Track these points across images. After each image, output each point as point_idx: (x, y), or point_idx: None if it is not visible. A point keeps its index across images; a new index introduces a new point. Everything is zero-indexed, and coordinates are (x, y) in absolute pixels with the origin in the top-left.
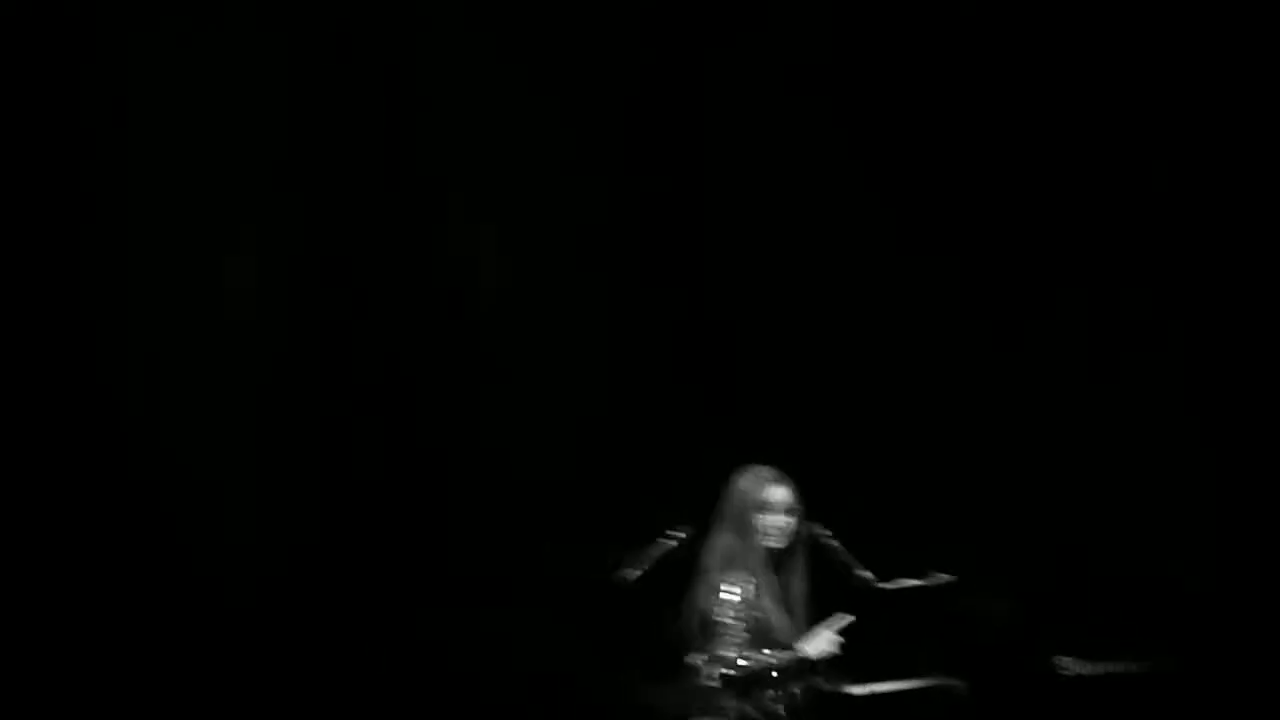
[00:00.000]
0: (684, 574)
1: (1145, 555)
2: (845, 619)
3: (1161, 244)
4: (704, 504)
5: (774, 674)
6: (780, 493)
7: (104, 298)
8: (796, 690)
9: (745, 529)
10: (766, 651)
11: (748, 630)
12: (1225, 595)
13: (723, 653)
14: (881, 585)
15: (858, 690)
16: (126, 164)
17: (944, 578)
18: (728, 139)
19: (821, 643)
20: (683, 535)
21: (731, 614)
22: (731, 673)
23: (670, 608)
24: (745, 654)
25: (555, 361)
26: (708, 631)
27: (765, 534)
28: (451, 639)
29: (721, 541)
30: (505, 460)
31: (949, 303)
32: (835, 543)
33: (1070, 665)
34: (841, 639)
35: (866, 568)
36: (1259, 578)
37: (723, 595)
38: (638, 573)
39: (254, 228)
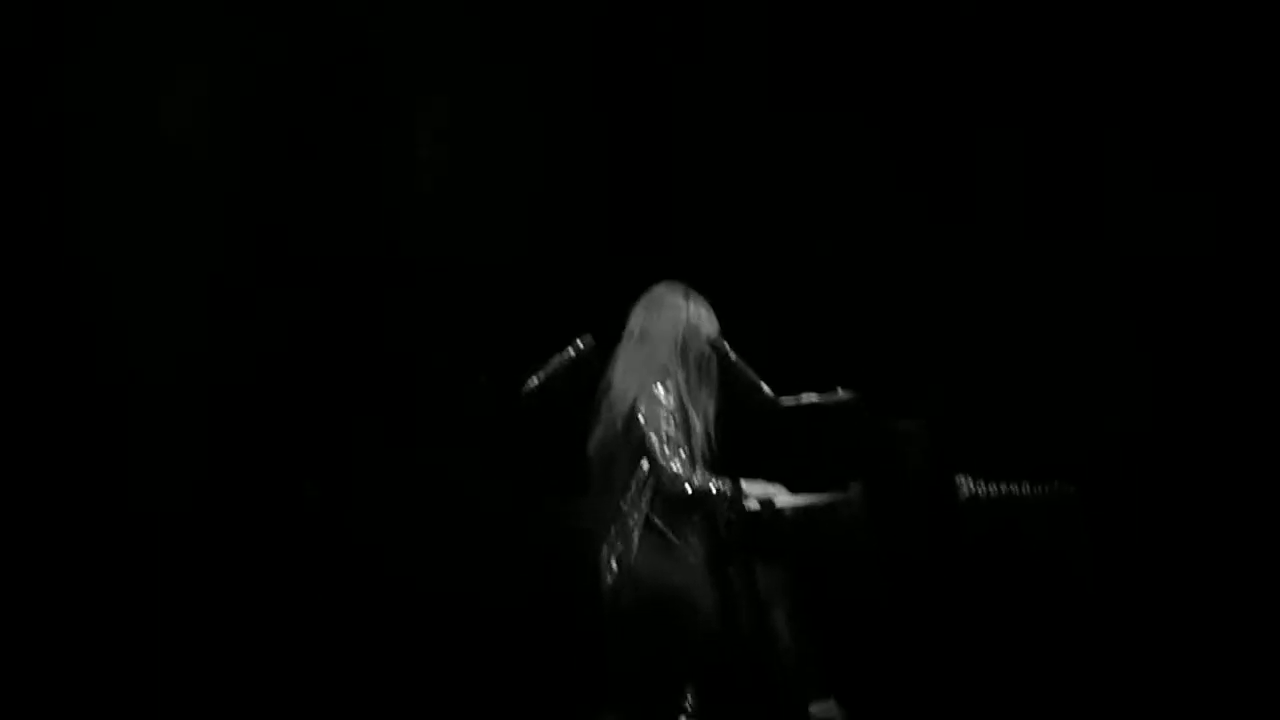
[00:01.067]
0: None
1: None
2: (845, 394)
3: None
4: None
5: (717, 503)
6: (712, 315)
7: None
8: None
9: (676, 345)
10: (716, 483)
11: (681, 434)
12: (1135, 432)
13: (674, 466)
14: (784, 401)
15: (784, 501)
16: None
17: (845, 394)
18: None
19: (761, 488)
20: (584, 345)
21: (665, 416)
22: (687, 490)
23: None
24: (701, 476)
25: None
26: (631, 437)
27: (696, 352)
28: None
29: (642, 352)
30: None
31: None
32: (739, 360)
33: (971, 486)
34: (778, 489)
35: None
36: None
37: (659, 396)
38: (537, 382)
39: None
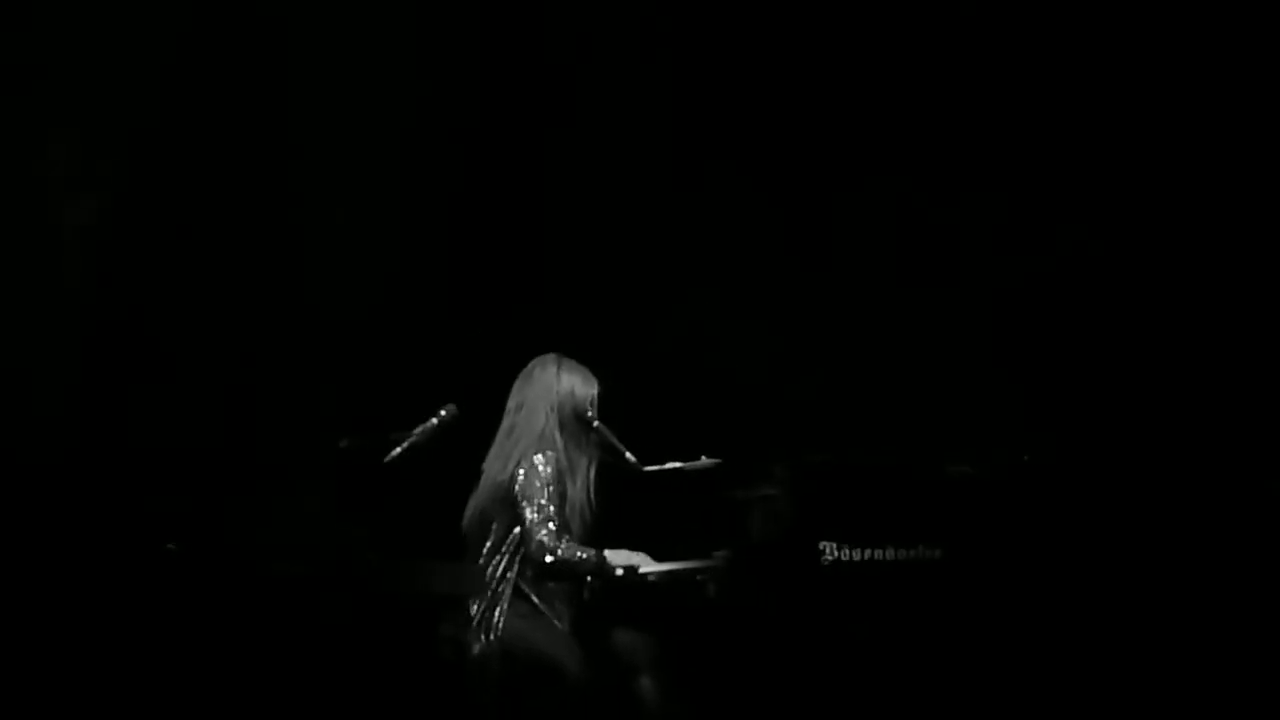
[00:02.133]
0: (456, 451)
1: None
2: (709, 461)
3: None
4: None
5: (583, 571)
6: (588, 381)
7: None
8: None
9: (550, 414)
10: (580, 553)
11: (554, 504)
12: (997, 488)
13: (540, 534)
14: (648, 469)
15: (648, 569)
16: None
17: (709, 461)
18: None
19: (624, 557)
20: (448, 414)
21: (541, 485)
22: (553, 560)
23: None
24: (568, 546)
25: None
26: (505, 506)
27: (570, 420)
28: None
29: (521, 423)
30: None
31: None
32: (604, 427)
33: (833, 551)
34: (642, 558)
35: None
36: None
37: (538, 466)
38: (399, 450)
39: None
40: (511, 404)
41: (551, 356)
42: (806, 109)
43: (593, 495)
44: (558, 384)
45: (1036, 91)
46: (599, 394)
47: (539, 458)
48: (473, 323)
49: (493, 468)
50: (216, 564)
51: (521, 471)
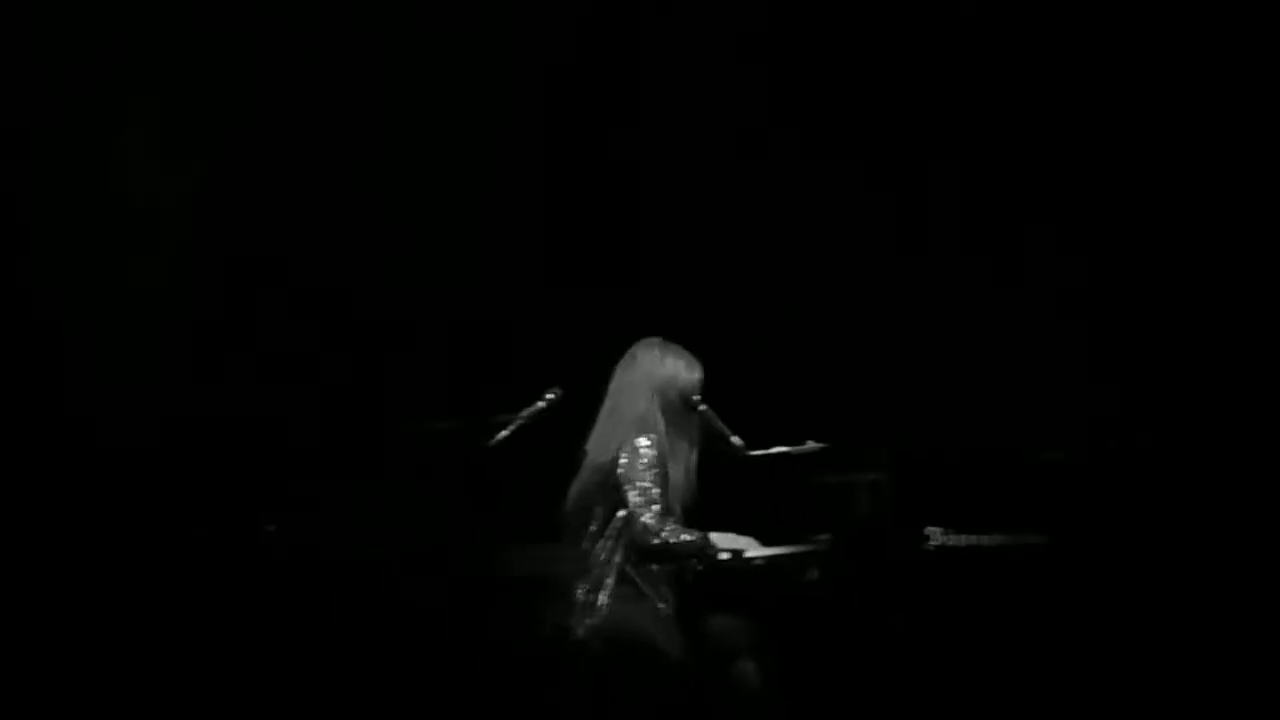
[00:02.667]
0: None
1: (1015, 432)
2: (814, 445)
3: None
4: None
5: (687, 554)
6: (692, 366)
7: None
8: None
9: (652, 398)
10: (686, 535)
11: (657, 487)
12: (1091, 472)
13: (646, 517)
14: (753, 453)
15: (753, 553)
16: None
17: (814, 445)
18: None
19: (732, 541)
20: (554, 397)
21: (643, 468)
22: (658, 543)
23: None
24: (673, 529)
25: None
26: (609, 487)
27: (673, 404)
28: (323, 509)
29: (623, 405)
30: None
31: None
32: (709, 410)
33: (938, 536)
34: (751, 545)
35: (738, 435)
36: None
37: (640, 449)
38: (505, 434)
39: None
40: (613, 387)
41: (655, 340)
42: (905, 95)
43: (694, 481)
44: (660, 368)
45: (1115, 88)
46: (702, 379)
47: (641, 441)
48: (572, 306)
49: (594, 450)
50: (321, 547)
51: (624, 455)
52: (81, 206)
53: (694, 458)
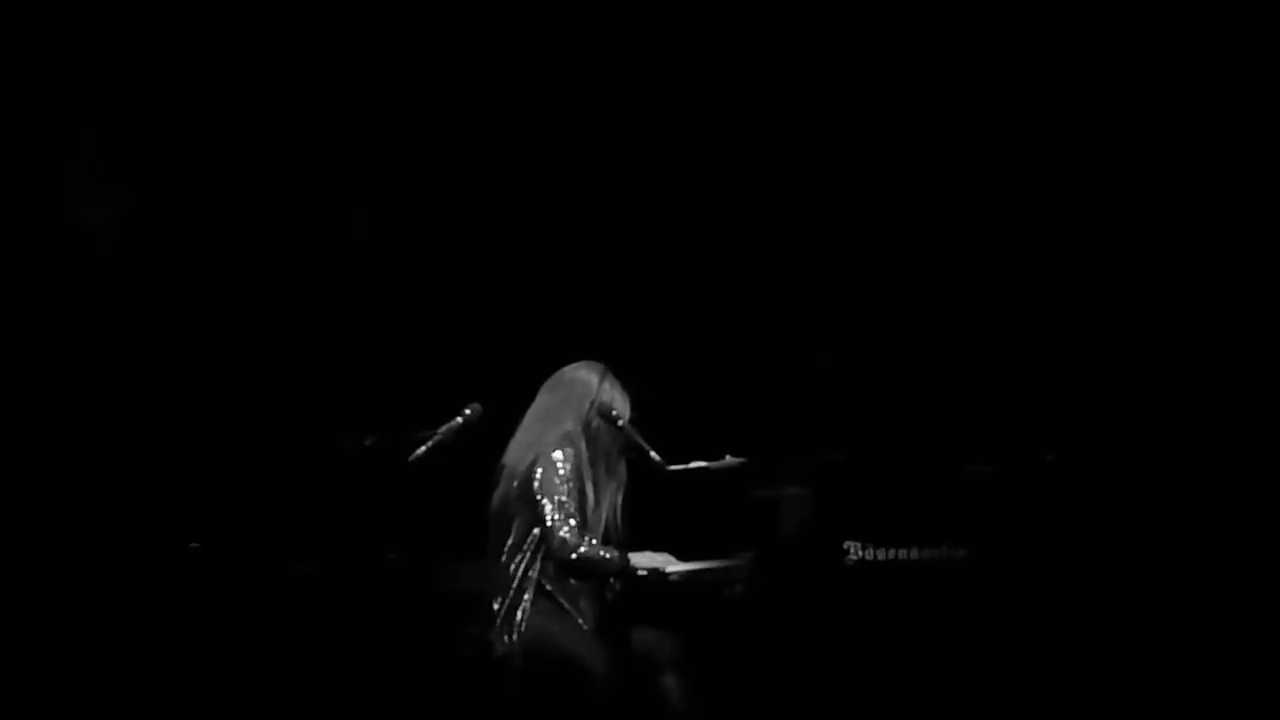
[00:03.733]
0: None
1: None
2: (733, 460)
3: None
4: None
5: (606, 571)
6: (626, 401)
7: None
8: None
9: (581, 418)
10: (604, 552)
11: (574, 501)
12: (1018, 486)
13: (563, 532)
14: (672, 468)
15: (672, 569)
16: None
17: (734, 461)
18: None
19: (648, 558)
20: (473, 413)
21: (560, 481)
22: (575, 558)
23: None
24: (591, 545)
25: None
26: (525, 502)
27: (608, 431)
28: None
29: (547, 420)
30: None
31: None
32: (630, 426)
33: (858, 551)
34: (666, 558)
35: (657, 451)
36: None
37: (557, 462)
38: (424, 450)
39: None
40: (543, 398)
41: (599, 365)
42: (828, 101)
43: (619, 522)
44: (598, 393)
45: (1049, 89)
46: (630, 414)
47: (558, 454)
48: (498, 323)
49: (513, 458)
50: (238, 563)
51: (539, 468)
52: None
53: (619, 497)
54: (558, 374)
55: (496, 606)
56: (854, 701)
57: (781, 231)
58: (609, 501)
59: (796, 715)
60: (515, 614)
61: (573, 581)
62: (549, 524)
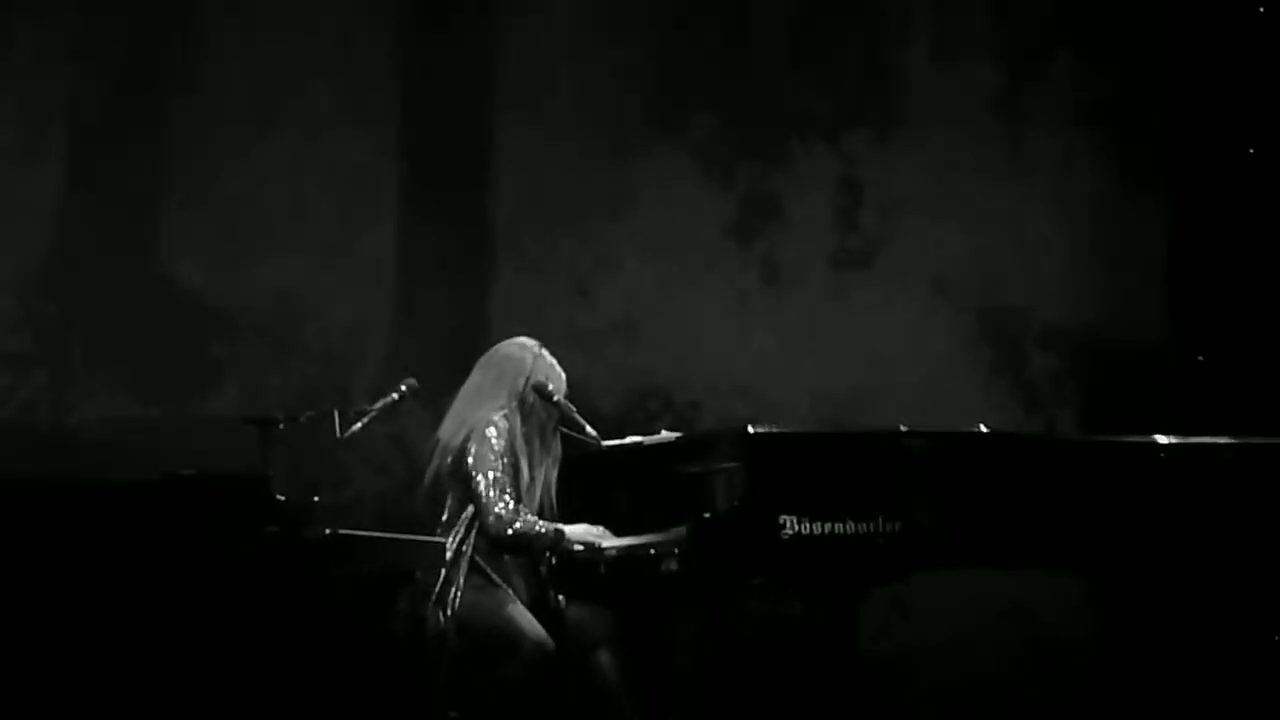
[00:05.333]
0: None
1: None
2: (668, 435)
3: None
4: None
5: (541, 546)
6: (561, 377)
7: None
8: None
9: (514, 394)
10: (539, 526)
11: (507, 476)
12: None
13: (498, 508)
14: (607, 443)
15: (608, 544)
16: None
17: (669, 435)
18: None
19: (583, 531)
20: (408, 388)
21: (494, 457)
22: (510, 534)
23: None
24: (526, 520)
25: None
26: (458, 478)
27: (536, 405)
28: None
29: (480, 396)
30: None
31: None
32: (566, 402)
33: (793, 525)
34: (601, 532)
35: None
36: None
37: (489, 437)
38: (359, 425)
39: None
40: (477, 374)
41: (534, 341)
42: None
43: (553, 499)
44: (531, 369)
45: None
46: (565, 390)
47: (490, 430)
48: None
49: (445, 434)
50: (167, 538)
51: (472, 444)
52: None
53: (554, 473)
54: (492, 350)
55: (430, 583)
56: (782, 676)
57: (700, 213)
58: (543, 478)
59: (730, 691)
60: (449, 590)
61: (506, 557)
62: (483, 500)
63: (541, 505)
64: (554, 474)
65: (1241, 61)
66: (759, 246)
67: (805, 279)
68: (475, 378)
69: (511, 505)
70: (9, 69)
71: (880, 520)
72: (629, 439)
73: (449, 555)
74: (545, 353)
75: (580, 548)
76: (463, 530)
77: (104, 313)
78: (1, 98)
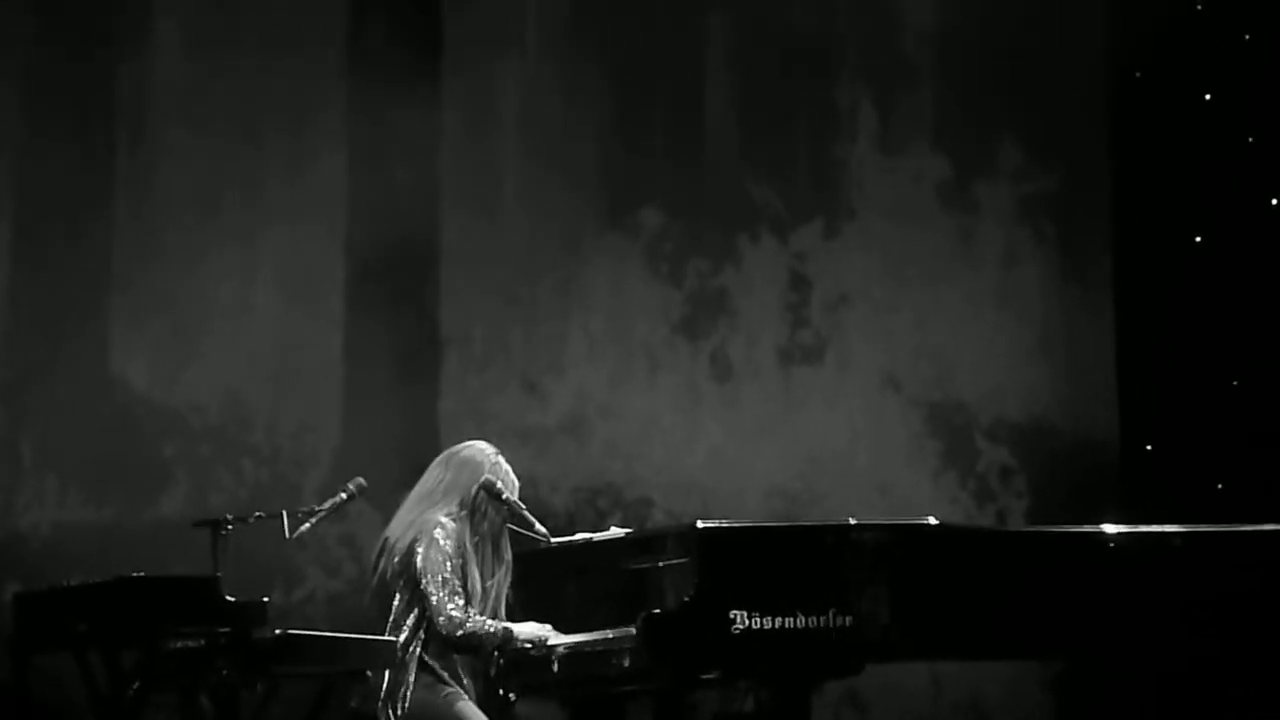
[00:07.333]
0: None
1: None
2: (618, 531)
3: None
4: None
5: (491, 645)
6: (514, 482)
7: None
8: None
9: (468, 497)
10: (489, 625)
11: (457, 577)
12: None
13: (448, 608)
14: (556, 540)
15: (555, 640)
16: None
17: (618, 532)
18: None
19: (531, 630)
20: (356, 489)
21: (443, 559)
22: (462, 634)
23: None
24: (476, 620)
25: None
26: (407, 580)
27: (488, 510)
28: None
29: (431, 498)
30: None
31: None
32: (515, 500)
33: (743, 619)
34: (549, 630)
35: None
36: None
37: (439, 539)
38: (308, 526)
39: None
40: (432, 474)
41: (493, 448)
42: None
43: (501, 599)
44: (485, 471)
45: None
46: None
47: (438, 531)
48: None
49: (394, 533)
50: (117, 640)
51: (420, 546)
52: None
53: (507, 581)
54: (450, 451)
55: (380, 682)
56: None
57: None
58: (496, 589)
59: None
60: (398, 689)
61: (456, 656)
62: (434, 601)
63: (495, 613)
64: (506, 582)
65: (1186, 151)
66: (709, 342)
67: (755, 374)
68: (430, 477)
69: (462, 605)
70: None
71: (831, 613)
72: (579, 536)
73: (398, 655)
74: (502, 460)
75: (529, 645)
76: (410, 629)
77: (53, 415)
78: None
